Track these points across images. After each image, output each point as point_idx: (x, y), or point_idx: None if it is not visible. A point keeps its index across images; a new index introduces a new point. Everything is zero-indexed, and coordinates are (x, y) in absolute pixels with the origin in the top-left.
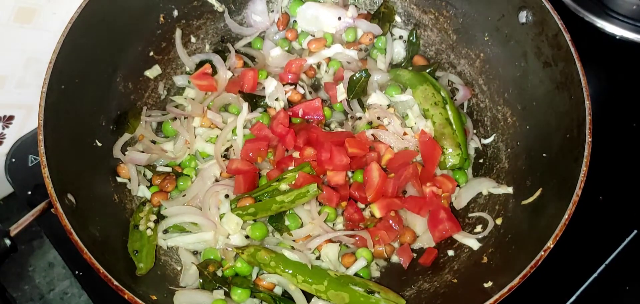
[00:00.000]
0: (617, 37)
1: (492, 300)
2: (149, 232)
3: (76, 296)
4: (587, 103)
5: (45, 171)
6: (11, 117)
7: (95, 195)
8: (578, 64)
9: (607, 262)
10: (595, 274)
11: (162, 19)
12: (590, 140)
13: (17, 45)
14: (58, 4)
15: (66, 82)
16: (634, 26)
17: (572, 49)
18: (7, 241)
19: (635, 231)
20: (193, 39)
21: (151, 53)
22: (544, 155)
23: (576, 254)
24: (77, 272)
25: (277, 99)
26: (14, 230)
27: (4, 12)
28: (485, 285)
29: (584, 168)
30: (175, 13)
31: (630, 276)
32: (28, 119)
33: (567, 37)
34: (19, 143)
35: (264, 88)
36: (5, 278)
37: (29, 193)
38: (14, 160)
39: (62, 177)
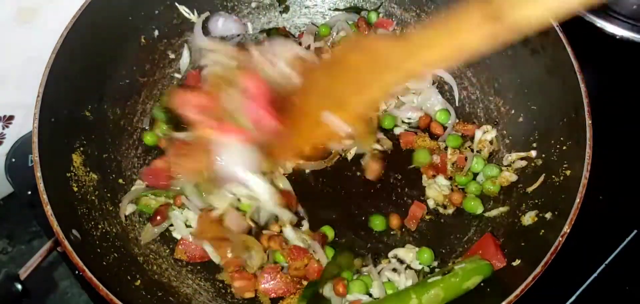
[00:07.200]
0: (617, 37)
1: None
2: None
3: (76, 296)
4: (582, 86)
5: (48, 209)
6: (11, 117)
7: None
8: (568, 49)
9: (607, 262)
10: (595, 274)
11: (143, 40)
12: (590, 122)
13: (17, 45)
14: (58, 4)
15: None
16: (634, 26)
17: (561, 36)
18: (19, 286)
19: (635, 231)
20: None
21: (137, 76)
22: (544, 137)
23: (576, 254)
24: (77, 272)
25: None
26: (23, 273)
27: (4, 11)
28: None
29: (588, 151)
30: (156, 33)
31: (630, 276)
32: (28, 119)
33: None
34: (19, 143)
35: None
36: None
37: (29, 193)
38: (14, 160)
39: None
